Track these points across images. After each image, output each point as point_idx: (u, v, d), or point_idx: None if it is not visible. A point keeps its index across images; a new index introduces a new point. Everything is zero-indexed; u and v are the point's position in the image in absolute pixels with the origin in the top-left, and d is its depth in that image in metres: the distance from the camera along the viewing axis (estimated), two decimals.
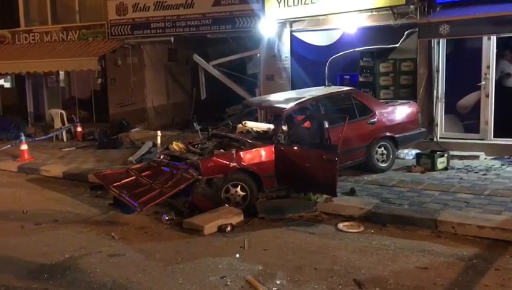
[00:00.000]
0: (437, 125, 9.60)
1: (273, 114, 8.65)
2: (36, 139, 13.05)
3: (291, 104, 7.65)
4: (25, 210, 7.34)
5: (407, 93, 10.19)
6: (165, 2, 12.64)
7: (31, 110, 16.21)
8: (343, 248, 5.43)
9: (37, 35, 15.33)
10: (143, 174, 7.46)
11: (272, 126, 7.60)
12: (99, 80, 16.19)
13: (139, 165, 8.03)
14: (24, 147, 11.05)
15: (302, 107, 7.86)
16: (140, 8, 13.03)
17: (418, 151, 9.02)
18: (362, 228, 6.05)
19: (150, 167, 7.65)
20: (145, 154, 10.50)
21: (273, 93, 9.76)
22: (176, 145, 7.75)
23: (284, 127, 7.62)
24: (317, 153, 6.70)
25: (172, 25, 12.60)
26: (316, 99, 7.89)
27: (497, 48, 8.99)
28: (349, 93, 8.36)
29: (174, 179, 6.88)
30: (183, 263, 5.16)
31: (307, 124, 7.80)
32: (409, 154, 9.12)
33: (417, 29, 8.99)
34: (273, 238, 5.87)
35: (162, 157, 7.75)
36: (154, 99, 14.61)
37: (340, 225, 6.18)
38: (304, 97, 7.90)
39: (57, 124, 14.05)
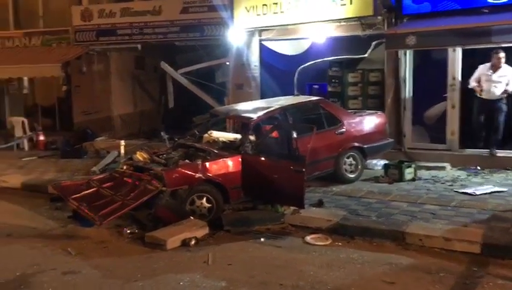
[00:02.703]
0: (404, 135, 9.63)
1: (241, 124, 8.48)
2: None
3: (259, 114, 7.50)
4: None
5: (375, 103, 10.20)
6: (132, 8, 12.39)
7: None
8: (310, 262, 5.28)
9: None
10: (104, 185, 7.16)
11: (239, 136, 7.42)
12: (64, 87, 15.71)
13: (100, 176, 7.71)
14: None
15: (270, 117, 7.72)
16: (106, 14, 12.72)
17: (386, 161, 9.02)
18: (330, 241, 5.93)
19: (112, 178, 7.35)
20: (109, 164, 10.15)
21: (242, 102, 9.63)
22: (140, 155, 7.48)
23: (252, 137, 7.47)
24: (285, 163, 6.56)
25: (139, 32, 12.35)
26: (284, 109, 7.76)
27: (462, 59, 9.06)
28: (317, 103, 8.29)
29: (137, 190, 6.60)
30: (142, 280, 4.91)
31: (274, 134, 7.68)
32: (377, 164, 9.09)
33: (384, 39, 9.02)
34: (238, 252, 5.67)
35: (125, 167, 7.46)
36: (121, 107, 14.26)
37: (308, 238, 6.04)
38: (271, 107, 7.77)
39: (18, 132, 13.44)
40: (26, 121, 13.61)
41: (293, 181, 6.36)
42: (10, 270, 5.17)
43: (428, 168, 8.87)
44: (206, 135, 7.66)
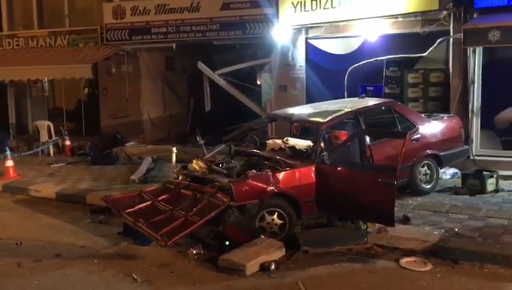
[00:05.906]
0: (472, 141, 8.80)
1: (301, 129, 7.69)
2: (22, 154, 11.73)
3: (329, 118, 6.70)
4: (19, 241, 6.18)
5: (436, 106, 9.38)
6: (168, 5, 11.58)
7: (13, 122, 14.85)
8: None
9: (22, 40, 14.07)
10: (160, 198, 6.39)
11: (310, 143, 6.61)
12: (86, 90, 14.96)
13: (153, 187, 6.91)
14: (10, 163, 9.83)
15: (340, 121, 6.93)
16: (139, 11, 11.93)
17: (455, 170, 8.24)
18: (430, 266, 5.14)
19: (167, 190, 6.57)
20: (149, 172, 9.41)
21: (284, 105, 8.90)
22: (196, 164, 6.70)
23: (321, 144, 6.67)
24: (371, 175, 5.78)
25: (175, 30, 11.56)
26: (356, 112, 6.97)
27: None
28: (390, 105, 7.48)
29: (200, 205, 5.84)
30: None
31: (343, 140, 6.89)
32: (446, 173, 8.29)
33: (462, 35, 8.16)
34: (330, 279, 4.90)
35: (180, 178, 6.69)
36: (151, 110, 13.49)
37: (403, 261, 5.26)
38: (341, 110, 6.97)
39: (44, 137, 12.72)
40: (51, 125, 12.90)
41: (382, 195, 5.56)
42: None
43: (506, 178, 8.04)
44: (270, 142, 6.86)
